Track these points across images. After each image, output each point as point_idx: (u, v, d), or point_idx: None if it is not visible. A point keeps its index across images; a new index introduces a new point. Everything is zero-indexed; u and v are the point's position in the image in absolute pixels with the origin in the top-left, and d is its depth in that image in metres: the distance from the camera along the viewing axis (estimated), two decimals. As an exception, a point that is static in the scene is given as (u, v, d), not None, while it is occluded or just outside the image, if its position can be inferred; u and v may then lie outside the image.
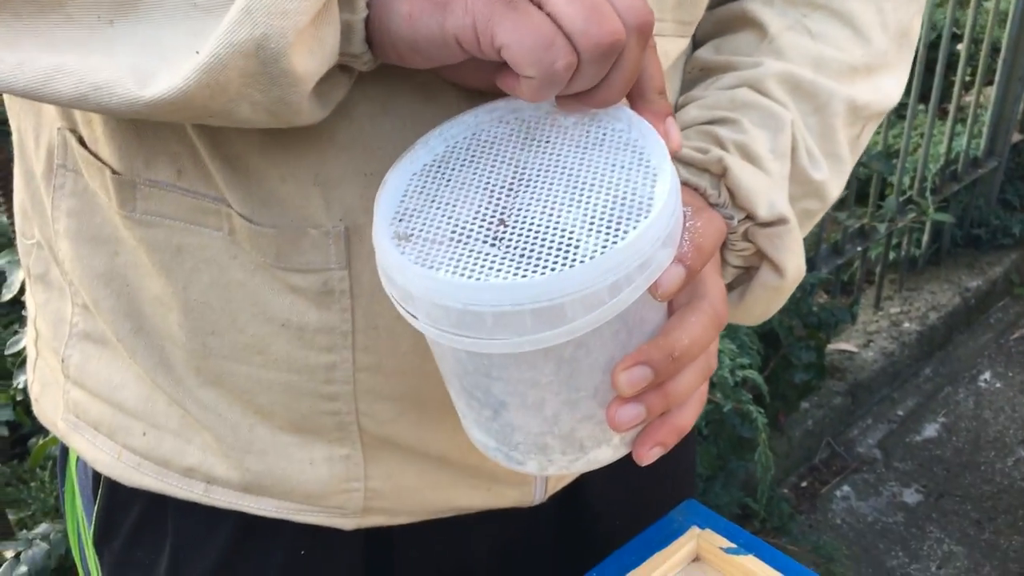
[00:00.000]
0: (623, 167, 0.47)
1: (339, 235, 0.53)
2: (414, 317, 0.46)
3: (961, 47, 2.31)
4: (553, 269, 0.43)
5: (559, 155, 0.48)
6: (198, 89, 0.43)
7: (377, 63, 0.48)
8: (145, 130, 0.54)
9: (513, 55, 0.43)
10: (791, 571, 0.62)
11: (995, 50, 2.42)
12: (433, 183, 0.49)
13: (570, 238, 0.44)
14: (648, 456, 0.51)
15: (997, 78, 2.45)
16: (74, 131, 0.58)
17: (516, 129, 0.50)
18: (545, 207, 0.46)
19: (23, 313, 1.51)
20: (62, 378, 0.65)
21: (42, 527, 1.21)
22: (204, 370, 0.59)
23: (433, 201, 0.48)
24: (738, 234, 0.58)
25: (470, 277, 0.44)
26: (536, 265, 0.44)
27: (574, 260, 0.43)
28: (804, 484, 2.05)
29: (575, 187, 0.47)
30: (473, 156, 0.50)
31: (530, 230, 0.45)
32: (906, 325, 2.34)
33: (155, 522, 0.66)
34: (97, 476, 0.68)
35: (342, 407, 0.58)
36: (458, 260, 0.45)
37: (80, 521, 0.73)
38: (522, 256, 0.44)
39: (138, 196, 0.56)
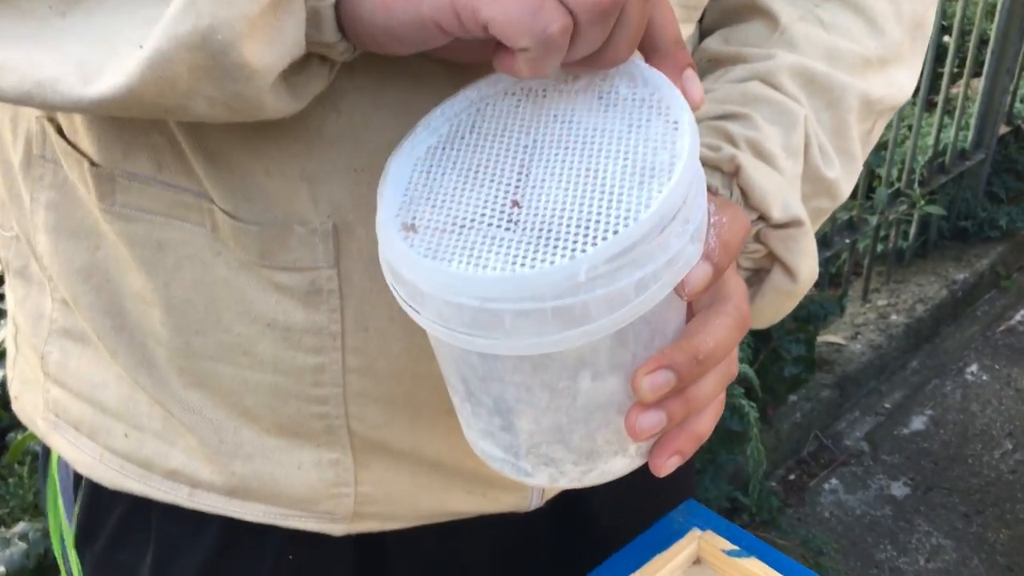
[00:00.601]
0: (640, 126, 0.44)
1: (327, 233, 0.51)
2: (423, 316, 0.43)
3: (949, 39, 2.30)
4: (575, 250, 0.40)
5: (571, 124, 0.45)
6: (144, 86, 0.40)
7: (357, 52, 0.45)
8: (123, 120, 0.52)
9: (501, 28, 0.40)
10: (795, 574, 0.60)
11: (983, 42, 2.41)
12: (439, 167, 0.46)
13: (589, 213, 0.41)
14: (666, 467, 0.49)
15: (985, 70, 2.45)
16: (53, 120, 0.56)
17: (522, 100, 0.47)
18: (561, 182, 0.43)
19: (1, 306, 1.48)
20: (42, 376, 0.64)
21: (20, 526, 1.19)
22: (188, 370, 0.57)
23: (440, 187, 0.45)
24: (750, 235, 0.55)
25: (485, 267, 0.41)
26: (556, 247, 0.41)
27: (595, 238, 0.40)
28: (792, 477, 2.05)
29: (591, 157, 0.43)
30: (479, 135, 0.47)
31: (547, 209, 0.42)
32: (893, 317, 2.33)
33: (138, 524, 0.64)
34: (78, 476, 0.66)
35: (331, 410, 0.56)
36: (471, 249, 0.42)
37: (62, 521, 0.71)
38: (539, 238, 0.41)
39: (117, 189, 0.53)
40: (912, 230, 2.44)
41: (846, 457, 2.09)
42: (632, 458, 0.49)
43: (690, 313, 0.49)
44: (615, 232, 0.40)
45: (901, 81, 0.63)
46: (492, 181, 0.44)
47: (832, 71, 0.59)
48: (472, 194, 0.44)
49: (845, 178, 0.61)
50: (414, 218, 0.44)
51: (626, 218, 0.41)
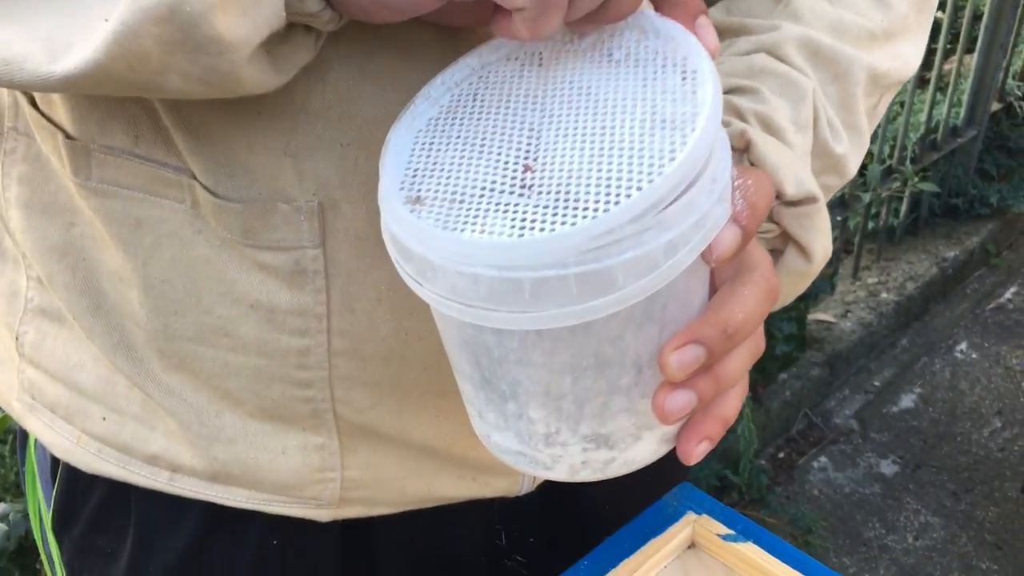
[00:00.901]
0: (656, 79, 0.41)
1: (312, 211, 0.49)
2: (434, 292, 0.40)
3: (943, 15, 2.28)
4: (596, 210, 0.37)
5: (582, 85, 0.42)
6: (111, 62, 0.38)
7: (343, 21, 0.43)
8: None
9: None
10: (790, 558, 0.59)
11: (976, 17, 2.39)
12: (442, 139, 0.43)
13: (608, 171, 0.38)
14: (696, 453, 0.46)
15: (978, 46, 2.43)
16: (25, 91, 0.54)
17: (526, 64, 0.44)
18: (576, 143, 0.40)
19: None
20: (17, 356, 0.62)
21: (1, 507, 1.17)
22: (167, 353, 0.55)
23: (445, 158, 0.42)
24: None
25: (500, 235, 0.37)
26: (576, 208, 0.37)
27: (618, 195, 0.37)
28: (781, 455, 2.05)
29: (606, 115, 0.40)
30: (483, 103, 0.43)
31: (563, 170, 0.39)
32: (883, 295, 2.33)
33: (117, 509, 0.63)
34: (56, 459, 0.64)
35: (316, 394, 0.54)
36: (484, 217, 0.38)
37: (41, 504, 0.69)
38: (556, 200, 0.38)
39: (93, 163, 0.51)
40: (903, 207, 2.43)
41: (835, 435, 2.09)
42: (659, 445, 0.46)
43: (715, 286, 0.46)
44: (639, 188, 0.37)
45: (907, 55, 0.61)
46: (500, 149, 0.41)
47: (838, 44, 0.57)
48: (480, 163, 0.41)
49: (853, 154, 0.59)
50: (419, 191, 0.41)
51: (649, 173, 0.37)
